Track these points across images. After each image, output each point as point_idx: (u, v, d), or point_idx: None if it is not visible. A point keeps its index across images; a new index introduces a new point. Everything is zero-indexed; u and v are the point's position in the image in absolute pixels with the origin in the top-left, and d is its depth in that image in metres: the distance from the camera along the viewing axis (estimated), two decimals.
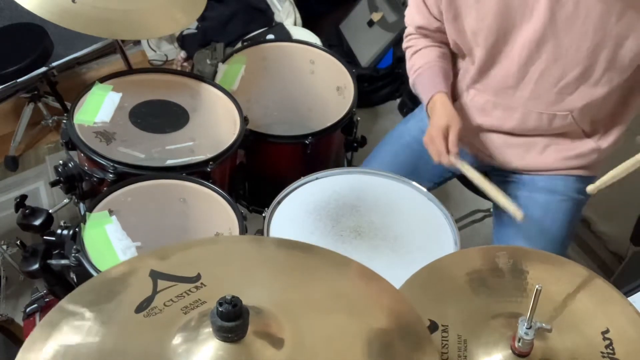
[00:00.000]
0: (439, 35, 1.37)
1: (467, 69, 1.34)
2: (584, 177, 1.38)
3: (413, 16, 1.39)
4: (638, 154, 0.98)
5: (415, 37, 1.42)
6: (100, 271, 1.14)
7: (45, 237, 1.28)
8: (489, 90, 1.32)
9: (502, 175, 1.46)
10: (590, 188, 1.01)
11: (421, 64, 1.38)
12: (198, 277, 0.76)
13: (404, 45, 1.46)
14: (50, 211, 1.33)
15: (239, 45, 2.19)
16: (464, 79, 1.37)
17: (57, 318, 0.70)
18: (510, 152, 1.39)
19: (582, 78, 1.20)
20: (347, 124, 1.65)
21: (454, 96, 1.43)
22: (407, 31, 1.44)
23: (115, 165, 1.34)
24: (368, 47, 2.55)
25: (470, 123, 1.39)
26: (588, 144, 1.34)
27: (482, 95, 1.34)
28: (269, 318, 0.70)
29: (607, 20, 1.11)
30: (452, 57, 1.42)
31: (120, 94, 1.51)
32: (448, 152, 1.25)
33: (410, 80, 1.43)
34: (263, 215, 1.28)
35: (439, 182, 1.56)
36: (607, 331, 0.81)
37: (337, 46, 2.64)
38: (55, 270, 1.27)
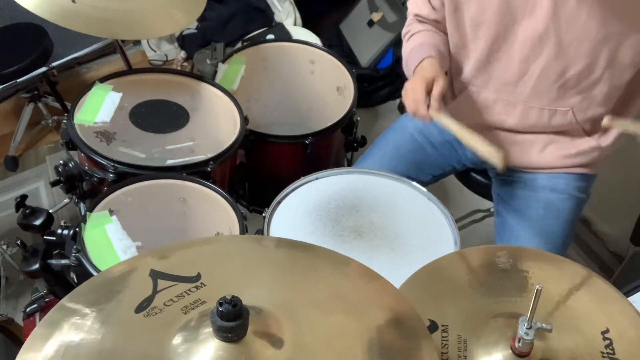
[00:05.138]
0: (435, 24, 1.37)
1: (468, 64, 1.34)
2: (585, 176, 1.38)
3: (413, 4, 1.39)
4: None
5: (414, 23, 1.41)
6: (100, 271, 1.14)
7: (45, 237, 1.28)
8: (490, 86, 1.32)
9: (502, 173, 1.45)
10: (606, 121, 0.99)
11: (413, 45, 1.34)
12: (198, 277, 0.76)
13: (403, 32, 1.43)
14: (50, 211, 1.33)
15: (239, 45, 2.19)
16: (465, 75, 1.37)
17: (57, 317, 0.70)
18: (511, 150, 1.38)
19: (582, 75, 1.20)
20: (347, 124, 1.65)
21: (454, 93, 1.43)
22: (407, 20, 1.43)
23: (116, 165, 1.34)
24: (368, 47, 2.55)
25: (471, 120, 1.39)
26: (589, 142, 1.34)
27: (483, 92, 1.34)
28: (269, 318, 0.70)
29: (609, 19, 1.11)
30: (452, 54, 1.42)
31: (120, 94, 1.51)
32: (428, 105, 1.18)
33: (403, 62, 1.38)
34: (263, 215, 1.28)
35: (438, 175, 1.56)
36: (607, 331, 0.81)
37: (337, 46, 2.64)
38: (55, 270, 1.28)
